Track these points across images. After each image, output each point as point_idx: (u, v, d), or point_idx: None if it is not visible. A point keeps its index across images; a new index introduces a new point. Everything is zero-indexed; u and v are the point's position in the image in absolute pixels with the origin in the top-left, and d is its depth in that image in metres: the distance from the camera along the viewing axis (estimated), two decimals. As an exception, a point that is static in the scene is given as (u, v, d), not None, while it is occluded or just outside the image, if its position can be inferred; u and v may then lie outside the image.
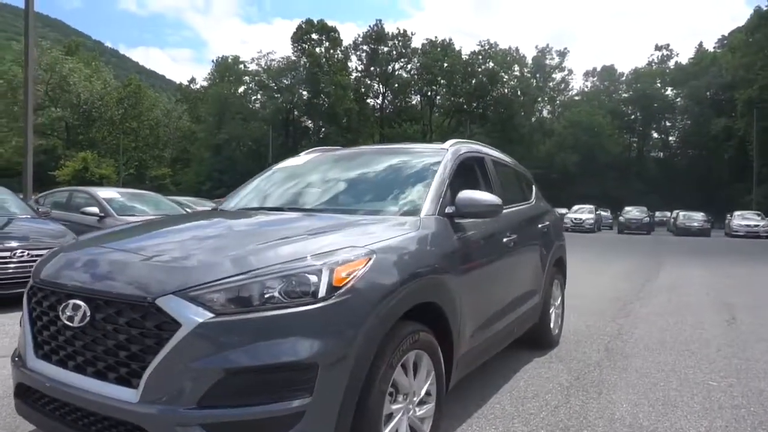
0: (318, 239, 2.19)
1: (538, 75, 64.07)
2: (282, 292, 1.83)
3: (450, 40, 62.37)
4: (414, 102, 66.59)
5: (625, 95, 62.72)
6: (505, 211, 3.54)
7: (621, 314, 6.11)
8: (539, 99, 64.74)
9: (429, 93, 64.02)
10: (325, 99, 59.92)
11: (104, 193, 8.50)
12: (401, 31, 62.42)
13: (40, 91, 57.96)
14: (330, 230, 2.32)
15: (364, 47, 63.37)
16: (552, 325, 4.46)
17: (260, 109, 63.91)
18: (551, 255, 4.38)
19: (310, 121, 64.94)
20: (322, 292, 1.86)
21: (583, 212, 30.42)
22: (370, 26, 63.97)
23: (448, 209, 2.77)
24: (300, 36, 61.06)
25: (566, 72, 65.79)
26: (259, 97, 65.18)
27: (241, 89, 65.47)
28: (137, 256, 2.09)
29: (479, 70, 60.87)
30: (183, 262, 1.97)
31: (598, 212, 32.07)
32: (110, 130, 60.84)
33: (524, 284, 3.76)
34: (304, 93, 61.89)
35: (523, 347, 4.33)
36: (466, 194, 2.78)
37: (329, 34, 61.81)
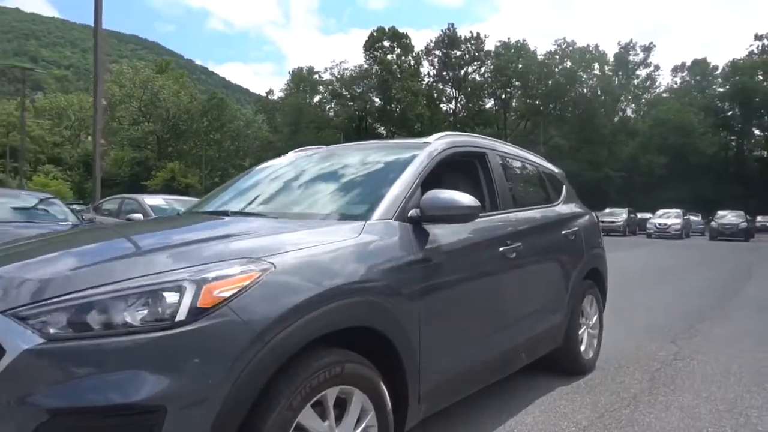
0: (212, 247, 1.82)
1: (620, 72, 60.34)
2: (133, 313, 1.48)
3: (524, 40, 60.56)
4: (488, 105, 65.11)
5: (721, 90, 57.48)
6: (507, 215, 3.03)
7: (685, 334, 5.25)
8: (622, 98, 61.02)
9: (503, 96, 62.32)
10: (397, 105, 60.07)
11: (150, 200, 8.70)
12: (474, 35, 61.44)
13: (134, 107, 62.76)
14: (237, 237, 1.95)
15: (437, 52, 62.95)
16: (583, 348, 3.81)
17: (333, 117, 65.12)
18: (581, 266, 3.75)
19: (382, 128, 65.28)
20: (181, 315, 1.49)
21: (668, 217, 28.03)
22: (442, 31, 63.51)
23: (413, 213, 2.31)
24: (372, 44, 61.66)
25: (652, 68, 61.45)
26: (332, 105, 66.46)
27: (316, 99, 67.15)
28: (12, 270, 1.80)
29: (556, 70, 58.45)
30: (32, 274, 1.66)
31: (686, 217, 29.46)
32: (195, 141, 64.51)
33: (535, 301, 3.19)
34: (376, 100, 62.36)
35: (547, 373, 3.74)
36: (432, 194, 2.31)
37: (400, 40, 61.95)
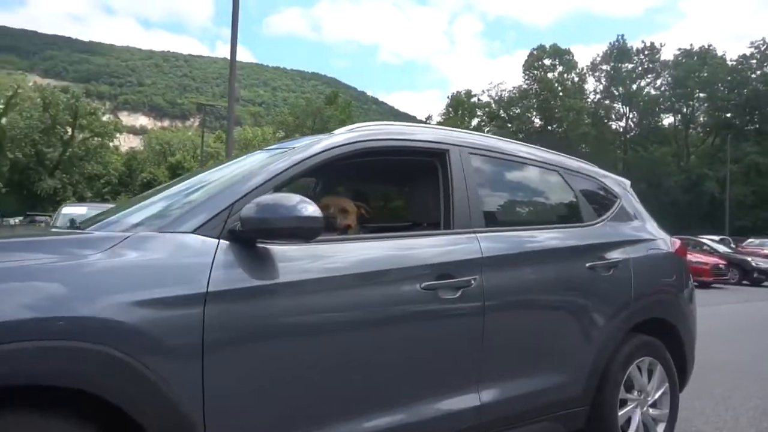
0: None
1: None
2: None
3: (710, 46, 52.99)
4: (665, 122, 58.14)
5: None
6: (459, 236, 2.15)
7: None
8: None
9: (684, 109, 55.07)
10: (559, 125, 56.82)
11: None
12: (647, 45, 55.64)
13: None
14: None
15: (604, 67, 58.25)
16: (631, 437, 2.61)
17: (490, 139, 63.84)
18: (624, 314, 2.59)
19: (542, 150, 62.18)
20: None
21: None
22: (610, 43, 58.65)
23: (237, 226, 1.63)
24: (531, 63, 59.42)
25: None
26: (490, 127, 65.23)
27: (474, 122, 66.64)
28: None
29: (753, 76, 49.91)
30: None
31: None
32: (359, 167, 68.27)
33: (508, 364, 2.20)
34: (536, 120, 59.76)
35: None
36: (257, 201, 1.62)
37: (562, 57, 58.69)
